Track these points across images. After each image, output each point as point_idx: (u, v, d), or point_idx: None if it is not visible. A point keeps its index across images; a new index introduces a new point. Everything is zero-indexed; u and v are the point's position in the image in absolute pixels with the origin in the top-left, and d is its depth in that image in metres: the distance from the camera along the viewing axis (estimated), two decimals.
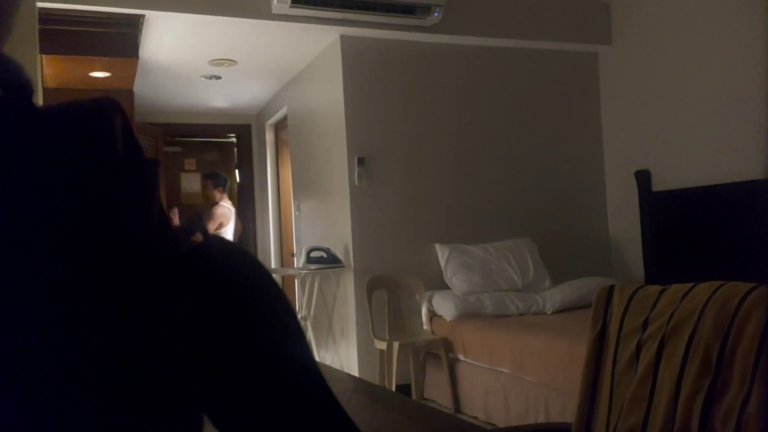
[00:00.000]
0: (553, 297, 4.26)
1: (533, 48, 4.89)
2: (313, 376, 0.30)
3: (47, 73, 4.13)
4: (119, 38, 4.00)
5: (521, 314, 4.15)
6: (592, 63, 5.14)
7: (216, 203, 6.09)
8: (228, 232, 6.06)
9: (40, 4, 3.42)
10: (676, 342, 0.99)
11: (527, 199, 4.84)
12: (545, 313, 4.18)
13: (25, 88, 0.23)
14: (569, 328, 3.48)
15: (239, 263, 0.30)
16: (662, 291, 1.06)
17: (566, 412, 3.04)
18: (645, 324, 1.03)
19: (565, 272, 4.64)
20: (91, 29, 3.89)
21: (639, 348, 1.05)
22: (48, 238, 0.23)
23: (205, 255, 0.29)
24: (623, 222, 4.97)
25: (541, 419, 3.23)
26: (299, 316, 5.28)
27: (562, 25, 4.83)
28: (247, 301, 0.29)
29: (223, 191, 6.20)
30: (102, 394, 0.23)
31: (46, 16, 3.54)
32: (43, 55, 3.73)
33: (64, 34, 3.81)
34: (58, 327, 0.23)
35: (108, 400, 0.23)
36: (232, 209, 6.26)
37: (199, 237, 0.29)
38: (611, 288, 1.10)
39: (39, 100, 3.69)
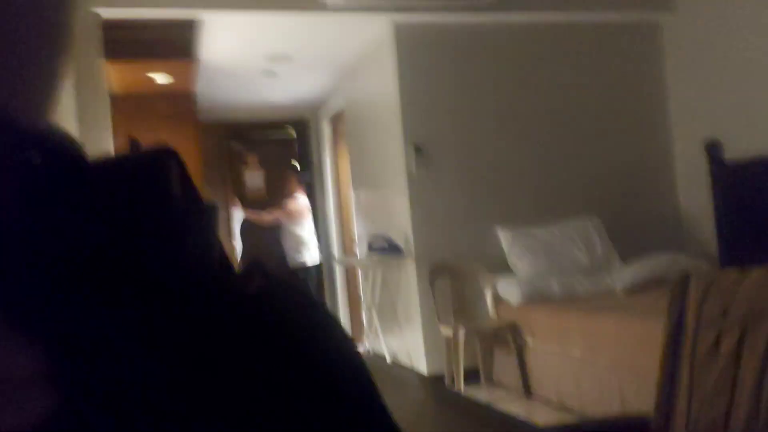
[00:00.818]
0: (623, 276, 4.15)
1: (592, 21, 4.74)
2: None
3: (113, 80, 4.27)
4: (178, 41, 4.10)
5: (590, 296, 4.05)
6: (655, 32, 4.95)
7: (295, 196, 6.10)
8: (308, 224, 6.09)
9: (102, 12, 3.54)
10: (758, 330, 0.95)
11: (591, 177, 4.72)
12: (616, 294, 4.08)
13: (72, 152, 0.24)
14: (642, 308, 3.38)
15: (302, 308, 0.30)
16: (741, 277, 1.02)
17: (642, 394, 2.96)
18: (725, 312, 1.00)
19: (634, 250, 4.50)
20: (150, 34, 4.01)
21: (719, 337, 1.01)
22: (106, 290, 0.24)
23: (267, 300, 0.29)
24: (694, 195, 4.78)
25: (616, 402, 3.16)
26: (364, 305, 5.33)
27: None
28: (311, 346, 0.28)
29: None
30: None
31: (108, 23, 3.66)
32: (107, 62, 3.86)
33: (127, 41, 3.93)
34: (122, 385, 0.23)
35: None
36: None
37: (260, 281, 0.29)
38: (687, 277, 1.06)
39: (107, 114, 3.81)
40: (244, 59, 4.96)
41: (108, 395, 0.22)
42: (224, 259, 0.29)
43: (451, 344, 4.02)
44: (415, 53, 4.42)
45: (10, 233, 0.23)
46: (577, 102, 4.75)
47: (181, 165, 0.28)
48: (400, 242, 4.49)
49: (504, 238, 4.37)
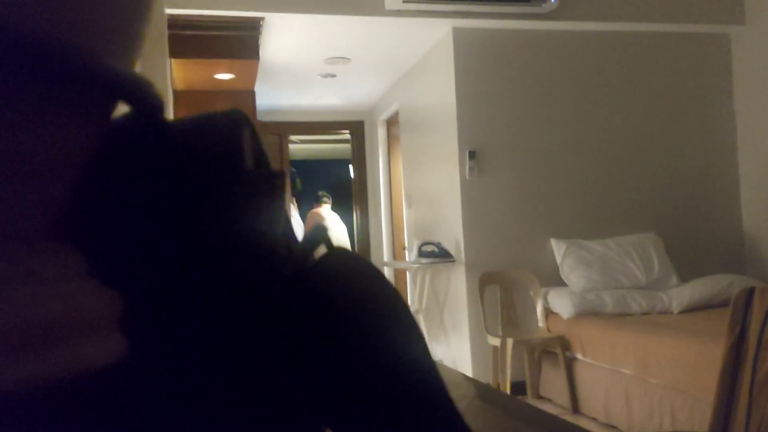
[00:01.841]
0: (681, 295, 4.01)
1: (657, 31, 4.61)
2: (437, 389, 0.28)
3: (175, 77, 4.39)
4: (241, 41, 4.18)
5: (645, 313, 3.93)
6: (724, 45, 4.78)
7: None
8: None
9: (168, 11, 3.64)
10: None
11: (652, 191, 4.59)
12: (671, 312, 3.94)
13: (156, 105, 0.23)
14: (699, 329, 3.26)
15: (366, 278, 0.29)
16: None
17: (694, 417, 2.85)
18: None
19: (694, 269, 4.35)
20: (215, 33, 4.10)
21: None
22: (179, 253, 0.24)
23: (331, 269, 0.28)
24: (759, 215, 4.59)
25: (667, 424, 3.05)
26: (412, 310, 5.31)
27: (689, 5, 4.52)
28: (373, 315, 0.28)
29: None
30: (231, 414, 0.23)
31: (174, 21, 3.76)
32: (171, 59, 3.96)
33: (191, 39, 4.03)
34: (189, 347, 0.23)
35: (238, 421, 0.23)
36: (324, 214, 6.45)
37: (323, 249, 0.29)
38: (752, 290, 1.00)
39: (169, 109, 3.93)
40: (304, 61, 5.02)
41: (172, 355, 0.23)
42: (288, 226, 0.29)
43: (498, 355, 3.96)
44: (473, 58, 4.39)
45: (95, 189, 0.23)
46: (639, 113, 4.62)
47: (253, 131, 0.28)
48: (451, 248, 4.45)
49: (557, 248, 4.28)
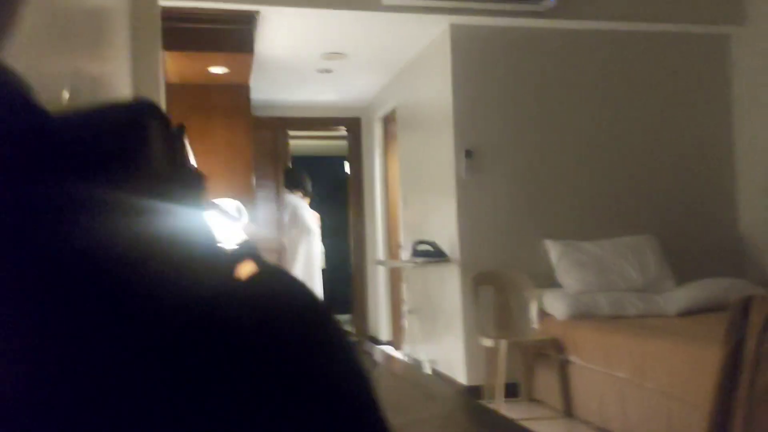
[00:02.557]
0: (677, 298, 3.97)
1: (656, 31, 4.57)
2: (364, 416, 0.24)
3: (169, 70, 4.33)
4: (236, 34, 4.13)
5: (640, 316, 3.89)
6: (723, 46, 4.73)
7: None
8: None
9: (163, 3, 3.59)
10: None
11: (648, 193, 4.55)
12: (668, 316, 3.90)
13: (13, 90, 0.19)
14: (695, 333, 3.22)
15: (295, 302, 0.25)
16: None
17: (691, 422, 2.81)
18: None
19: (690, 271, 4.31)
20: (209, 26, 4.05)
21: None
22: (69, 267, 0.20)
23: (258, 291, 0.24)
24: (756, 218, 4.55)
25: (662, 428, 3.01)
26: (405, 309, 5.27)
27: (688, 5, 4.48)
28: (303, 354, 0.23)
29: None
30: None
31: (168, 13, 3.71)
32: (165, 52, 3.91)
33: (185, 31, 3.98)
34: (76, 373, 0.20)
35: None
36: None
37: (250, 268, 0.24)
38: (749, 299, 0.96)
39: (161, 102, 3.89)
40: (300, 55, 4.97)
41: (71, 373, 0.19)
42: (211, 237, 0.24)
43: (491, 356, 3.92)
44: (471, 55, 4.34)
45: None
46: (637, 114, 4.58)
47: (164, 124, 0.23)
48: (446, 248, 4.41)
49: (553, 250, 4.24)
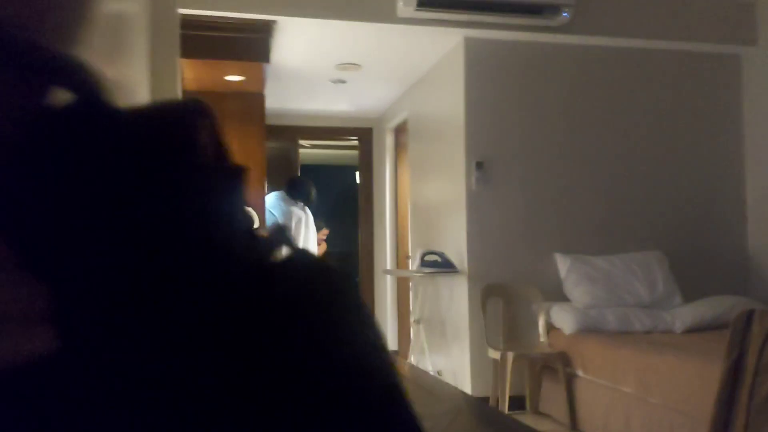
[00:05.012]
0: (684, 315, 3.97)
1: (668, 49, 4.60)
2: (393, 393, 0.27)
3: (186, 77, 4.40)
4: (253, 43, 4.19)
5: (647, 332, 3.90)
6: (734, 65, 4.75)
7: None
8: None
9: (181, 11, 3.65)
10: None
11: (657, 209, 4.56)
12: (674, 332, 3.91)
13: (91, 89, 0.22)
14: (701, 349, 3.22)
15: (326, 281, 0.28)
16: None
17: None
18: None
19: (697, 288, 4.31)
20: (227, 34, 4.11)
21: None
22: (118, 243, 0.23)
23: (290, 270, 0.27)
24: (765, 237, 4.55)
25: None
26: (412, 319, 5.29)
27: (700, 24, 4.51)
28: (329, 318, 0.27)
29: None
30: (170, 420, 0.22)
31: (187, 21, 3.77)
32: (183, 59, 3.97)
33: (203, 39, 4.04)
34: (138, 343, 0.22)
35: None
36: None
37: (284, 251, 0.28)
38: (751, 313, 0.99)
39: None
40: (315, 65, 5.03)
41: (106, 348, 0.22)
42: (249, 224, 0.27)
43: (498, 368, 3.94)
44: (484, 68, 4.38)
45: (26, 178, 0.22)
46: (648, 131, 4.60)
47: (213, 123, 0.27)
48: (454, 259, 4.43)
49: (561, 263, 4.26)
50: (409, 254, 5.84)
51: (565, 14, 4.05)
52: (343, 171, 8.64)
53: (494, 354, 3.93)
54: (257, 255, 0.26)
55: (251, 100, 4.78)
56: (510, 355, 3.77)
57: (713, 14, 4.52)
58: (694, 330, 3.89)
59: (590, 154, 4.50)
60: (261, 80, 4.65)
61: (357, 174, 7.52)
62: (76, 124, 0.23)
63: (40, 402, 0.20)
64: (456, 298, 4.52)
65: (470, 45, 4.35)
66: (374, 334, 0.28)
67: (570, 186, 4.44)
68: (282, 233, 0.28)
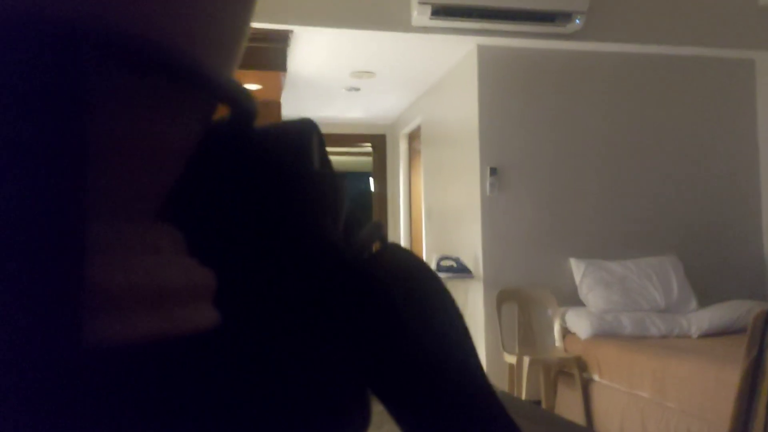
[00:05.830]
0: (700, 320, 3.97)
1: (681, 54, 4.61)
2: (485, 385, 0.31)
3: None
4: (270, 53, 4.24)
5: (663, 336, 3.90)
6: (748, 70, 4.76)
7: None
8: None
9: None
10: None
11: (673, 214, 4.56)
12: (690, 337, 3.91)
13: (252, 111, 0.27)
14: (717, 354, 3.23)
15: (419, 271, 0.33)
16: None
17: None
18: None
19: (713, 294, 4.31)
20: (245, 45, 4.16)
21: None
22: (261, 242, 0.27)
23: (388, 260, 0.31)
24: None
25: None
26: None
27: (713, 29, 4.52)
28: (427, 305, 0.31)
29: None
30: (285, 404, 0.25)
31: None
32: None
33: None
34: (254, 339, 0.26)
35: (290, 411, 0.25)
36: None
37: (378, 245, 0.32)
38: None
39: None
40: (330, 74, 5.08)
41: (253, 329, 0.25)
42: (348, 223, 0.31)
43: (513, 373, 3.95)
44: (497, 75, 4.42)
45: (195, 182, 0.26)
46: (663, 136, 4.61)
47: (320, 137, 0.31)
48: (469, 264, 4.46)
49: (576, 268, 4.27)
50: (424, 259, 5.86)
51: (578, 21, 4.08)
52: (357, 177, 8.69)
53: (510, 359, 3.95)
54: (359, 248, 0.31)
55: (268, 108, 4.83)
56: (526, 360, 3.79)
57: (726, 19, 4.53)
58: (710, 334, 3.88)
59: (604, 159, 4.51)
60: (278, 89, 4.70)
61: (371, 180, 7.57)
62: (232, 140, 0.27)
63: (203, 366, 0.24)
64: (471, 302, 4.55)
65: (483, 52, 4.39)
66: (463, 325, 0.33)
67: (584, 191, 4.46)
68: (380, 229, 0.33)
